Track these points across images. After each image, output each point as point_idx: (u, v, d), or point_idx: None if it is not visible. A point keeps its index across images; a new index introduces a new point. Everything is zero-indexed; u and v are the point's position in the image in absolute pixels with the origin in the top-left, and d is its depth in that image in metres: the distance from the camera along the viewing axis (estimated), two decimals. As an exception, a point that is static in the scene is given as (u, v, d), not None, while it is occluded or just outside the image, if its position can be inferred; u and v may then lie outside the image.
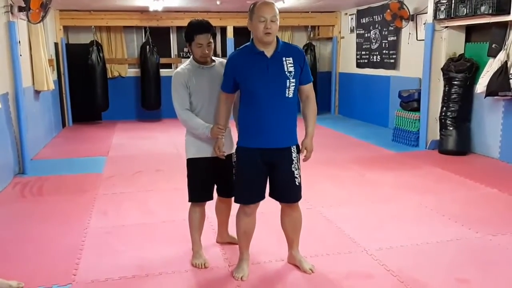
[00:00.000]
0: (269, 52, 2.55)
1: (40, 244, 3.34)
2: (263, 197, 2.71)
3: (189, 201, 2.95)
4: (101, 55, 8.84)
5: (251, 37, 2.66)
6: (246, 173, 2.66)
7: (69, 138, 7.70)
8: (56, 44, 8.39)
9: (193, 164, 2.90)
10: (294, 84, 2.57)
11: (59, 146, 7.03)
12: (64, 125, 8.66)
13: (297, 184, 2.69)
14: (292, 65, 2.55)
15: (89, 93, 8.80)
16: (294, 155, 2.66)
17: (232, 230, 3.21)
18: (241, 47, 2.69)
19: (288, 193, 2.71)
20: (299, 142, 2.71)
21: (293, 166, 2.66)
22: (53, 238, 3.43)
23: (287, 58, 2.55)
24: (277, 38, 2.59)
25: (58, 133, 7.99)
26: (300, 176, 2.71)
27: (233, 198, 2.85)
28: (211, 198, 2.96)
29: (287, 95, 2.57)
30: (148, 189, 4.70)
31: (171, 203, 4.17)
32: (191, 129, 2.82)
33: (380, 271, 2.85)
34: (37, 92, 6.64)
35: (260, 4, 2.52)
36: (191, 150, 2.90)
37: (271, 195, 2.75)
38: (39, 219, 3.86)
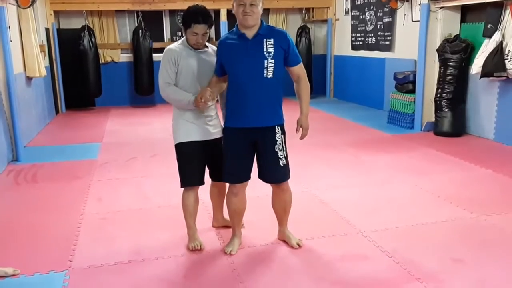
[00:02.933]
0: (250, 34, 2.64)
1: (36, 231, 3.32)
2: (249, 177, 2.79)
3: (181, 186, 2.95)
4: (93, 40, 8.72)
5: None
6: (232, 153, 2.74)
7: (62, 125, 7.64)
8: (47, 30, 8.26)
9: (182, 149, 2.89)
10: (272, 64, 2.64)
11: (53, 133, 6.98)
12: (57, 111, 8.58)
13: (282, 165, 2.74)
14: (272, 46, 2.63)
15: (81, 79, 8.70)
16: (278, 135, 2.72)
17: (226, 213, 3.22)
18: (229, 31, 2.80)
19: (273, 174, 2.77)
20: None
21: (276, 146, 2.71)
22: (49, 225, 3.42)
23: (268, 40, 2.65)
24: (262, 21, 2.68)
25: (51, 120, 7.93)
26: (285, 157, 2.75)
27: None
28: (203, 182, 2.96)
29: (265, 75, 2.64)
30: (143, 174, 4.68)
31: (167, 188, 4.15)
32: (176, 101, 2.81)
33: (376, 253, 2.87)
34: (29, 79, 6.56)
35: None
36: (179, 134, 2.89)
37: (258, 176, 2.82)
38: (34, 206, 3.84)
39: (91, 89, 8.81)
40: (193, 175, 2.91)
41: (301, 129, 2.78)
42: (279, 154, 2.72)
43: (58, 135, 6.81)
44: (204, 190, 3.06)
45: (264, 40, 2.63)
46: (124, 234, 3.23)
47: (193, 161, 2.89)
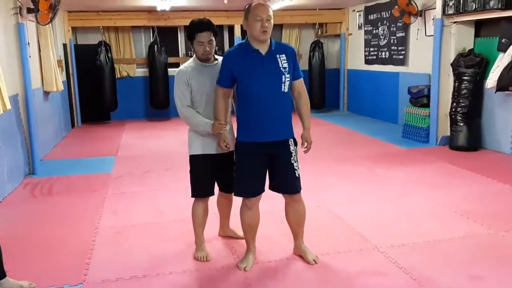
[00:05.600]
0: (263, 50, 2.68)
1: (51, 244, 3.35)
2: (263, 190, 2.80)
3: (192, 196, 3.01)
4: (109, 55, 8.88)
5: (246, 36, 2.75)
6: (247, 167, 2.74)
7: (78, 138, 7.75)
8: (64, 45, 8.44)
9: (196, 161, 2.95)
10: (289, 79, 2.71)
11: (69, 146, 7.08)
12: (73, 125, 8.72)
13: (297, 175, 2.79)
14: (286, 61, 2.69)
15: (97, 93, 8.85)
16: (292, 147, 2.78)
17: (233, 224, 3.29)
18: (236, 45, 2.83)
19: (288, 184, 2.80)
20: (296, 137, 2.82)
21: (292, 158, 2.77)
22: (64, 238, 3.45)
23: (280, 55, 2.69)
24: (270, 38, 2.73)
25: (67, 134, 8.05)
26: (299, 168, 2.81)
27: (233, 193, 2.92)
28: (213, 193, 3.03)
29: (283, 90, 2.69)
30: (157, 188, 4.71)
31: (181, 202, 4.16)
32: (193, 125, 2.89)
33: (393, 269, 2.83)
34: (46, 93, 6.69)
35: (256, 4, 2.67)
36: (194, 146, 2.95)
37: (271, 187, 2.84)
38: (49, 220, 3.88)
39: (106, 103, 8.94)
40: (204, 187, 2.97)
41: (305, 143, 2.83)
42: (295, 166, 2.77)
43: (74, 148, 6.91)
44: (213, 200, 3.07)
45: (277, 56, 2.68)
46: (138, 248, 3.24)
47: (205, 173, 2.95)
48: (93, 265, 2.98)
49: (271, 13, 2.64)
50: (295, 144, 2.80)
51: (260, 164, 2.74)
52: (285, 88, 2.68)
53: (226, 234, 3.33)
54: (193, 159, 2.96)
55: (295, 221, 2.92)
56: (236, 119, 2.85)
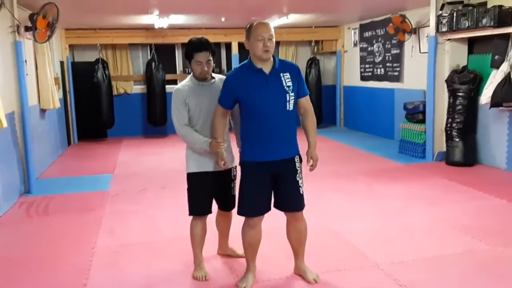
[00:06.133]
0: (267, 68, 2.68)
1: (47, 264, 3.31)
2: (268, 209, 2.77)
3: (189, 214, 2.99)
4: (106, 72, 8.91)
5: (249, 55, 2.74)
6: (251, 186, 2.71)
7: (74, 156, 7.72)
8: (62, 63, 8.47)
9: (194, 179, 2.94)
10: (293, 97, 2.70)
11: (65, 164, 7.04)
12: (69, 143, 8.69)
13: (301, 193, 2.77)
14: (290, 80, 2.69)
15: (94, 110, 8.85)
16: (297, 165, 2.76)
17: (232, 242, 3.27)
18: (238, 65, 2.81)
19: (294, 202, 2.78)
20: (301, 153, 2.81)
21: (297, 175, 2.75)
22: (60, 258, 3.41)
23: (284, 74, 2.68)
24: (273, 55, 2.72)
25: (63, 151, 8.01)
26: (303, 185, 2.79)
27: (232, 211, 2.92)
28: (210, 211, 3.00)
29: (287, 108, 2.68)
30: (154, 206, 4.68)
31: (178, 220, 4.12)
32: (190, 144, 2.89)
33: (393, 287, 2.81)
34: (43, 111, 6.68)
35: (257, 24, 2.67)
36: (192, 164, 2.94)
37: (275, 205, 2.81)
38: (45, 239, 3.84)
39: (103, 120, 8.94)
40: (202, 205, 2.96)
41: (311, 160, 2.81)
42: (299, 183, 2.76)
43: (70, 166, 6.87)
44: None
45: (281, 74, 2.67)
46: (136, 267, 3.21)
47: (203, 191, 2.94)
48: (91, 285, 2.94)
49: (272, 32, 2.64)
50: (301, 161, 2.79)
51: (265, 184, 2.71)
52: (289, 106, 2.67)
53: (225, 252, 3.31)
54: (190, 177, 2.95)
55: (297, 239, 2.89)
56: (240, 138, 2.84)
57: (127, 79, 9.52)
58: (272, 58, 2.69)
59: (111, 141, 9.09)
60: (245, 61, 2.75)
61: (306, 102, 2.79)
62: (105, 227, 4.06)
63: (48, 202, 4.89)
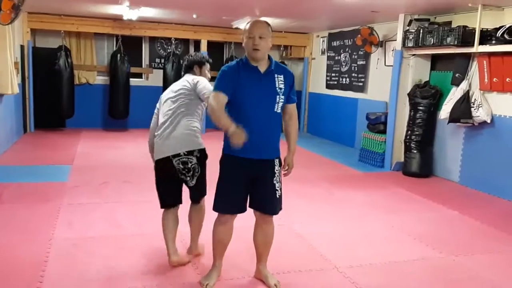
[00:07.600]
0: (262, 68, 2.66)
1: (1, 256, 3.17)
2: (242, 210, 2.74)
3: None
4: (69, 60, 8.62)
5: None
6: (230, 182, 2.69)
7: (30, 144, 7.41)
8: (22, 47, 8.12)
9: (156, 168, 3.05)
10: (283, 100, 2.69)
11: (20, 152, 6.75)
12: (25, 130, 8.34)
13: (278, 196, 2.75)
14: (283, 82, 2.68)
15: (54, 98, 8.54)
16: (276, 167, 2.74)
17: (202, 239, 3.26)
18: (234, 61, 2.75)
19: (268, 204, 2.76)
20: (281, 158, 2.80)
21: (274, 178, 2.73)
22: (15, 249, 3.27)
23: (278, 76, 2.68)
24: (270, 56, 2.71)
25: (18, 139, 7.68)
26: (280, 189, 2.77)
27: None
28: (180, 201, 3.10)
29: (275, 110, 2.68)
30: (115, 200, 4.58)
31: (140, 216, 4.08)
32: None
33: (351, 289, 2.90)
34: (0, 96, 6.38)
35: (252, 21, 2.66)
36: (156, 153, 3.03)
37: (250, 205, 2.79)
38: (-1, 228, 3.68)
39: (63, 109, 8.63)
40: (167, 196, 3.04)
41: (287, 166, 2.82)
42: (276, 186, 2.73)
43: (26, 155, 6.60)
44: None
45: (276, 75, 2.66)
46: (96, 262, 3.13)
47: (162, 182, 3.03)
48: (47, 279, 2.84)
49: (266, 31, 2.60)
50: (280, 164, 2.78)
51: (242, 181, 2.67)
52: (277, 108, 2.67)
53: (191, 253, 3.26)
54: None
55: (263, 242, 2.87)
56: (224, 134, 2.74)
57: (90, 69, 9.25)
58: (269, 59, 2.68)
59: (70, 131, 8.80)
60: (242, 57, 2.70)
61: (293, 109, 2.80)
62: (63, 219, 3.94)
63: (2, 190, 4.68)
